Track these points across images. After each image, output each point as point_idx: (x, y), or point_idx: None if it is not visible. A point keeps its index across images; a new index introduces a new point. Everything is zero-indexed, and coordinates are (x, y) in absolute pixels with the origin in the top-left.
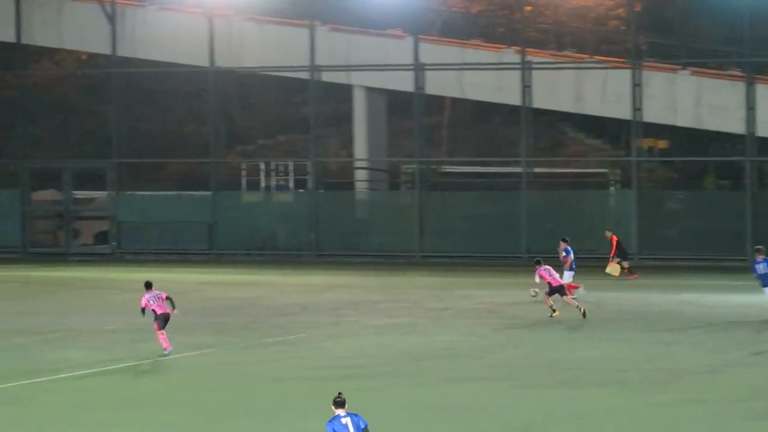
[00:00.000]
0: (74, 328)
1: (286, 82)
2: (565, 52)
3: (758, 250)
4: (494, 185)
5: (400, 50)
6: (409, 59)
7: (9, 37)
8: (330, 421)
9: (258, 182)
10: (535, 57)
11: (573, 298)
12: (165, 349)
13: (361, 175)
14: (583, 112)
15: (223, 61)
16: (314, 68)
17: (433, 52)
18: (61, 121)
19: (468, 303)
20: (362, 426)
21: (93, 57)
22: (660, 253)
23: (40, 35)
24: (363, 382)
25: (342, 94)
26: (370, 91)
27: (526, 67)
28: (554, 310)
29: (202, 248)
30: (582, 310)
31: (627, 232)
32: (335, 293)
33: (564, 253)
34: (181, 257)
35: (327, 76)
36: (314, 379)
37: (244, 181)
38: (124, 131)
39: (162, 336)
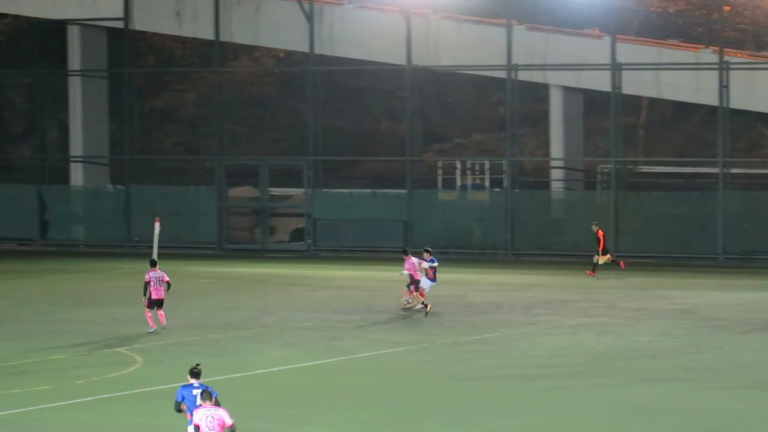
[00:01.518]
0: (269, 324)
1: (482, 80)
2: (764, 53)
3: None
4: (690, 186)
5: (597, 50)
6: (606, 59)
7: (208, 34)
8: (183, 387)
9: (454, 180)
10: (732, 57)
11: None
12: (150, 328)
13: (556, 174)
14: None
15: (419, 60)
16: (511, 67)
17: (630, 51)
18: (258, 118)
19: (663, 303)
20: (214, 395)
21: (290, 54)
22: None
23: (238, 32)
24: (557, 382)
25: (538, 93)
26: (567, 90)
27: (723, 68)
28: (426, 305)
29: (397, 246)
30: (427, 308)
31: None
32: (530, 292)
33: (429, 263)
34: (375, 255)
35: (524, 75)
36: (508, 378)
37: (439, 180)
38: (320, 129)
39: (149, 314)
